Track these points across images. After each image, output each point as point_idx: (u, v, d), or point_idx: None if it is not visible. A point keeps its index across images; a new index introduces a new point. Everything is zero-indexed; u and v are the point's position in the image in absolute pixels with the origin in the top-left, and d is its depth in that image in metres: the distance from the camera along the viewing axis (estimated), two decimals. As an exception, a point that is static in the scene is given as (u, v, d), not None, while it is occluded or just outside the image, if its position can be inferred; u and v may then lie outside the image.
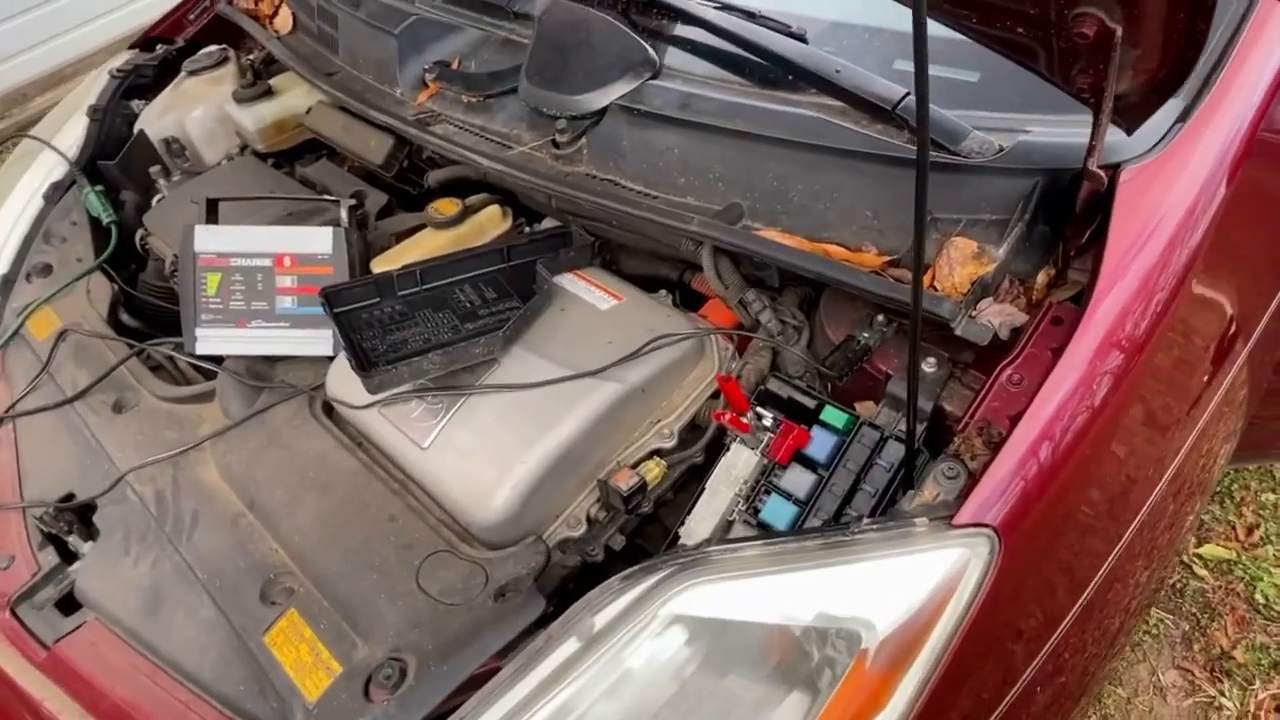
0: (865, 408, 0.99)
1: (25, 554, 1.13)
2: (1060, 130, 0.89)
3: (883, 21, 1.09)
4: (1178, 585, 1.90)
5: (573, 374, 0.98)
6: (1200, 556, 1.94)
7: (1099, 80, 0.70)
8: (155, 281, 1.50)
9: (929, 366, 0.93)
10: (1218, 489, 2.08)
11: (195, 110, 1.65)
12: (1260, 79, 0.88)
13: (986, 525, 0.71)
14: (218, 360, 1.18)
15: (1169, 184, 0.83)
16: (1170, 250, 0.80)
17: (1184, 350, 0.86)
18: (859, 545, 0.72)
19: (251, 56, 1.77)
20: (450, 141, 1.21)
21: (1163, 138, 0.84)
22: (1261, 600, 1.85)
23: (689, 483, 1.06)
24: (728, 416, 0.91)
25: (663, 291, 1.19)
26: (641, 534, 1.10)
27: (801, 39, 1.07)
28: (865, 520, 0.73)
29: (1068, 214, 0.86)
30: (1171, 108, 0.87)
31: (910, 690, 0.70)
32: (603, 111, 1.11)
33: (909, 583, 0.70)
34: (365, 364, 0.97)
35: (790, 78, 1.04)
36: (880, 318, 0.98)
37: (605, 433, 0.99)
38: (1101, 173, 0.80)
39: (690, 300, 1.22)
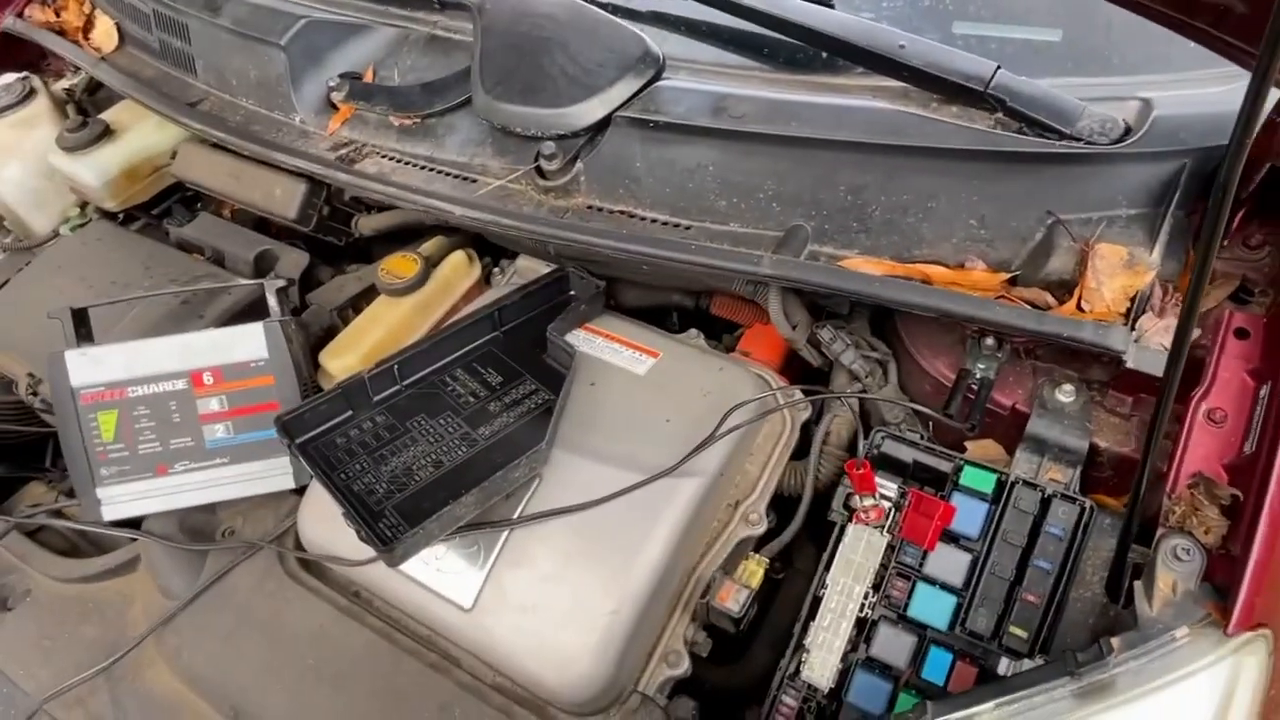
0: (982, 449, 0.84)
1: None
2: (1192, 94, 0.74)
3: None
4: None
5: (644, 479, 0.77)
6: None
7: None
8: (3, 397, 1.14)
9: (1065, 395, 0.78)
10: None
11: (7, 167, 1.26)
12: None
13: (1262, 625, 0.57)
14: (135, 524, 0.89)
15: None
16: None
17: None
18: (1122, 683, 0.57)
19: (68, 85, 1.37)
20: (393, 184, 0.93)
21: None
22: None
23: (802, 586, 0.89)
24: (872, 513, 0.73)
25: (693, 330, 0.98)
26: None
27: (829, 4, 0.86)
28: (1115, 644, 0.58)
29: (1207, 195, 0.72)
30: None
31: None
32: (601, 125, 0.87)
33: (1180, 712, 0.56)
34: (381, 533, 0.71)
35: (826, 57, 0.84)
36: (989, 341, 0.82)
37: (693, 540, 0.79)
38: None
39: (709, 326, 1.02)
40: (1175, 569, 0.61)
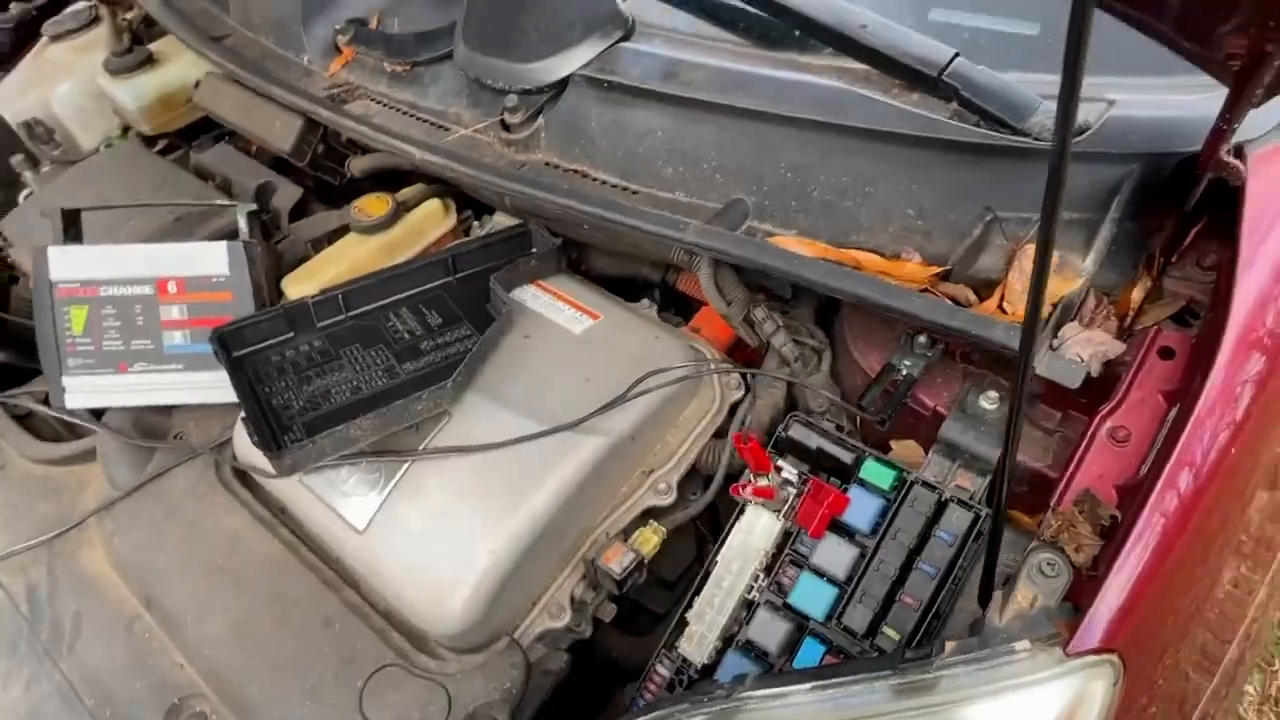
0: (904, 449, 0.81)
1: None
2: (1153, 99, 0.70)
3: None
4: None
5: (544, 430, 0.78)
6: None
7: (1263, 41, 0.51)
8: (26, 295, 1.24)
9: (989, 403, 0.75)
10: None
11: (62, 85, 1.36)
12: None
13: (1109, 650, 0.54)
14: (96, 415, 0.95)
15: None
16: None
17: None
18: (943, 685, 0.54)
19: (129, 15, 1.46)
20: (371, 125, 0.97)
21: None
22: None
23: (698, 562, 0.88)
24: (750, 488, 0.72)
25: (645, 300, 0.98)
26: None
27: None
28: (947, 646, 0.56)
29: (1163, 207, 0.67)
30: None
31: None
32: (564, 83, 0.88)
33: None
34: (272, 438, 0.75)
35: (799, 34, 0.83)
36: (921, 339, 0.79)
37: (589, 497, 0.79)
38: (1237, 162, 0.61)
39: (676, 302, 1.02)
40: (1038, 583, 0.58)
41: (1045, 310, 0.68)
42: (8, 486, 0.98)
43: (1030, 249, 0.69)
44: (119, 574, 0.87)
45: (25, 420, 1.06)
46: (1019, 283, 0.69)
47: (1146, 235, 0.71)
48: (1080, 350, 0.67)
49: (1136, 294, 0.70)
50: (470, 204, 1.12)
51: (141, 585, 0.85)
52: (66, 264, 0.92)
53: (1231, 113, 0.57)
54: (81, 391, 0.93)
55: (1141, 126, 0.67)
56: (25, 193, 1.36)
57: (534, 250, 0.97)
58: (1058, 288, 0.68)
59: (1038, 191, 0.70)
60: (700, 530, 0.91)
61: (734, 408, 0.87)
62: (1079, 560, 0.58)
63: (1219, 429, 0.57)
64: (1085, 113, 0.70)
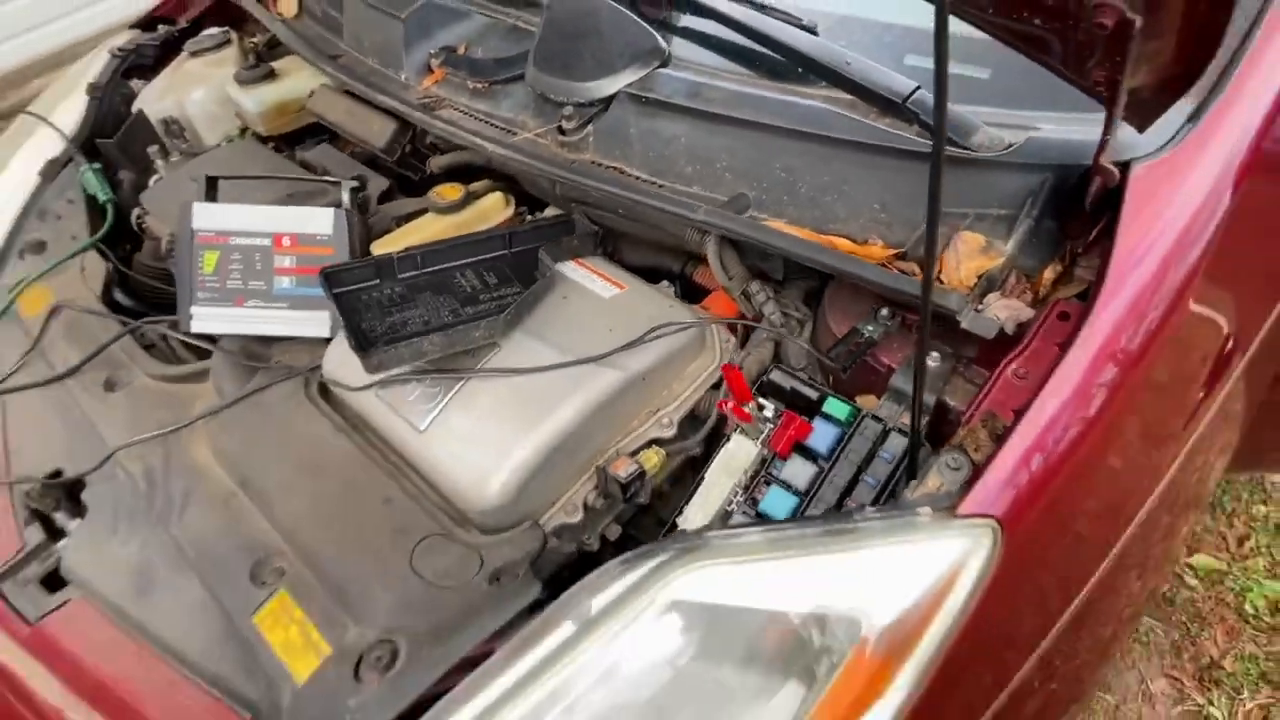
0: (868, 401, 0.99)
1: (10, 530, 1.11)
2: (1071, 128, 0.89)
3: (895, 17, 1.08)
4: (1168, 594, 1.90)
5: (573, 360, 0.97)
6: (1191, 566, 1.95)
7: (1115, 73, 0.70)
8: (150, 262, 1.48)
9: (933, 361, 0.93)
10: (1210, 500, 2.08)
11: (196, 91, 1.64)
12: (1268, 90, 0.88)
13: (990, 516, 0.71)
14: (212, 340, 1.17)
15: (1178, 183, 0.83)
16: (1178, 250, 0.80)
17: (1186, 355, 0.86)
18: (861, 533, 0.71)
19: (254, 40, 1.75)
20: (455, 126, 1.20)
21: (1173, 137, 0.84)
22: (1251, 611, 1.85)
23: (685, 476, 1.06)
24: (730, 405, 0.91)
25: (665, 282, 1.18)
26: (637, 525, 1.09)
27: (813, 32, 1.07)
28: (868, 509, 0.73)
29: (1076, 210, 0.86)
30: (1182, 108, 0.87)
31: (909, 681, 0.69)
32: (610, 99, 1.10)
33: (911, 572, 0.70)
34: (364, 344, 0.96)
35: (800, 70, 1.04)
36: (884, 311, 0.98)
37: (604, 420, 0.98)
38: (1113, 168, 0.79)
39: (692, 293, 1.22)
40: (944, 474, 0.75)
41: (971, 282, 0.87)
42: (134, 399, 1.20)
43: (964, 234, 0.88)
44: (220, 463, 1.07)
45: (150, 349, 1.28)
46: (953, 260, 0.88)
47: (1063, 231, 0.89)
48: (998, 313, 0.85)
49: (1049, 275, 0.88)
50: (527, 201, 1.35)
51: (238, 471, 1.05)
52: (205, 217, 1.15)
53: (1105, 130, 0.76)
54: (205, 319, 1.15)
55: (1054, 145, 0.87)
56: (155, 177, 1.62)
57: (576, 233, 1.19)
58: (983, 264, 0.87)
59: (974, 191, 0.90)
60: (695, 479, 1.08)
61: (731, 367, 1.06)
62: (977, 458, 0.76)
63: (1084, 365, 0.75)
64: (1013, 135, 0.90)
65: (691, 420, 1.04)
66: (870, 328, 0.97)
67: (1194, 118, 0.86)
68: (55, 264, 1.42)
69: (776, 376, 0.96)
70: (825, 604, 0.69)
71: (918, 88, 0.93)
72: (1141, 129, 0.82)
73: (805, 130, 0.97)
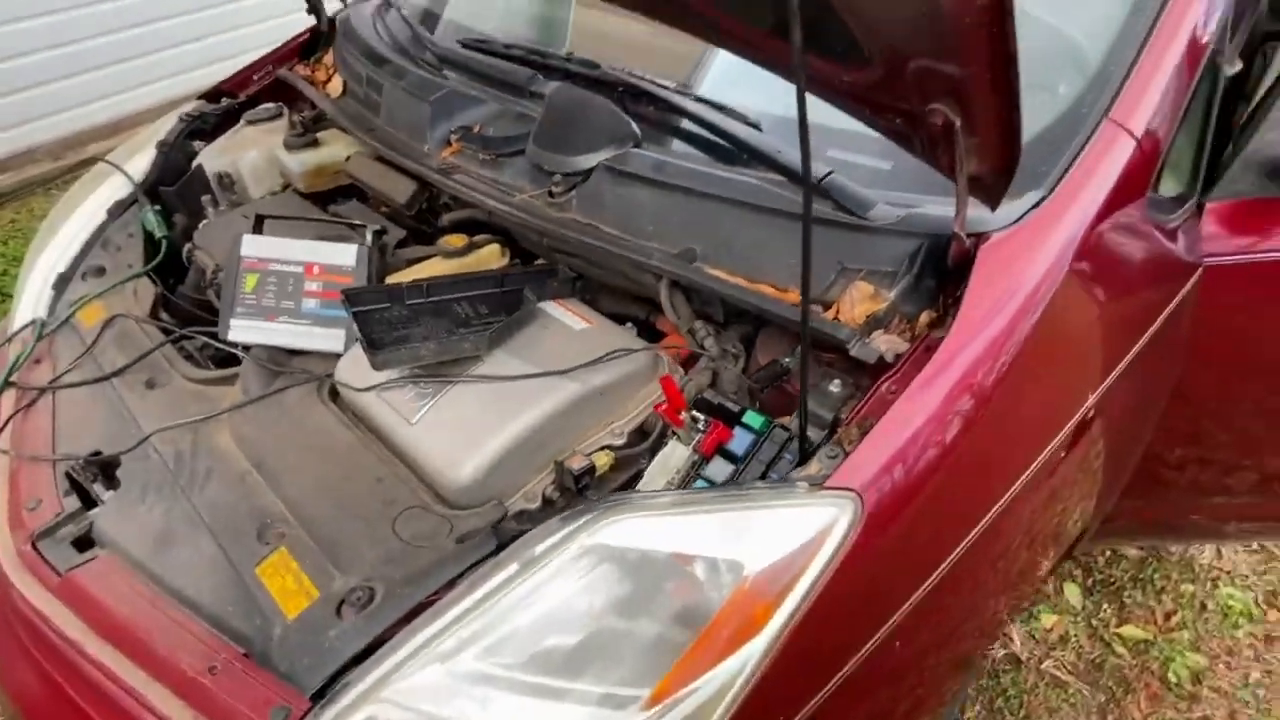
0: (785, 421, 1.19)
1: (52, 498, 1.29)
2: (947, 207, 1.13)
3: (824, 120, 1.34)
4: (1097, 660, 2.03)
5: (542, 372, 1.18)
6: (1120, 635, 2.08)
7: (952, 161, 0.94)
8: (191, 293, 1.71)
9: (835, 387, 1.13)
10: (1140, 576, 2.23)
11: (249, 152, 1.91)
12: (1100, 187, 1.11)
13: (851, 490, 0.90)
14: (245, 348, 1.38)
15: (1020, 255, 1.05)
16: (1013, 306, 1.02)
17: (1021, 391, 1.05)
18: (749, 498, 0.90)
19: (304, 114, 2.05)
20: (464, 187, 1.45)
21: (1020, 218, 1.08)
22: (1174, 679, 1.97)
23: (634, 480, 1.24)
24: (663, 408, 1.11)
25: (629, 324, 1.40)
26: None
27: (757, 127, 1.33)
28: (759, 483, 0.91)
29: (945, 270, 1.08)
30: (1032, 196, 1.11)
31: (783, 619, 0.86)
32: (591, 170, 1.36)
33: (786, 529, 0.88)
34: (374, 345, 1.17)
35: (744, 155, 1.30)
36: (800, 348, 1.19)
37: (565, 424, 1.18)
38: (965, 238, 1.02)
39: (654, 336, 1.43)
40: (823, 462, 0.95)
41: (861, 321, 1.09)
42: (171, 396, 1.40)
43: (858, 284, 1.11)
44: (240, 447, 1.27)
45: (188, 359, 1.50)
46: (848, 304, 1.10)
47: (939, 285, 1.11)
48: (880, 345, 1.06)
49: (925, 319, 1.09)
50: (521, 254, 1.59)
51: (254, 454, 1.24)
52: (252, 246, 1.39)
53: (957, 207, 1.00)
54: (241, 329, 1.37)
55: (930, 219, 1.10)
56: (204, 222, 1.88)
57: (558, 278, 1.42)
58: (870, 308, 1.08)
59: (868, 252, 1.13)
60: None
61: (677, 393, 1.27)
62: (849, 449, 0.95)
63: (931, 386, 0.95)
64: (901, 211, 1.13)
65: (640, 433, 1.24)
66: (788, 360, 1.18)
67: (1039, 204, 1.09)
68: (112, 285, 1.65)
69: (708, 395, 1.16)
70: (716, 550, 0.87)
71: (830, 172, 1.18)
72: (993, 209, 1.06)
73: (743, 200, 1.21)
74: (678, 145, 1.37)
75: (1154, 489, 1.71)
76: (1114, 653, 2.04)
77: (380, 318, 1.28)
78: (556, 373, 1.18)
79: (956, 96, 0.85)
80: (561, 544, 0.90)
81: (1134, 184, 1.16)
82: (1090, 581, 2.22)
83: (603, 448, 1.20)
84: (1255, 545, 2.30)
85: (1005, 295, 1.03)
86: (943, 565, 0.99)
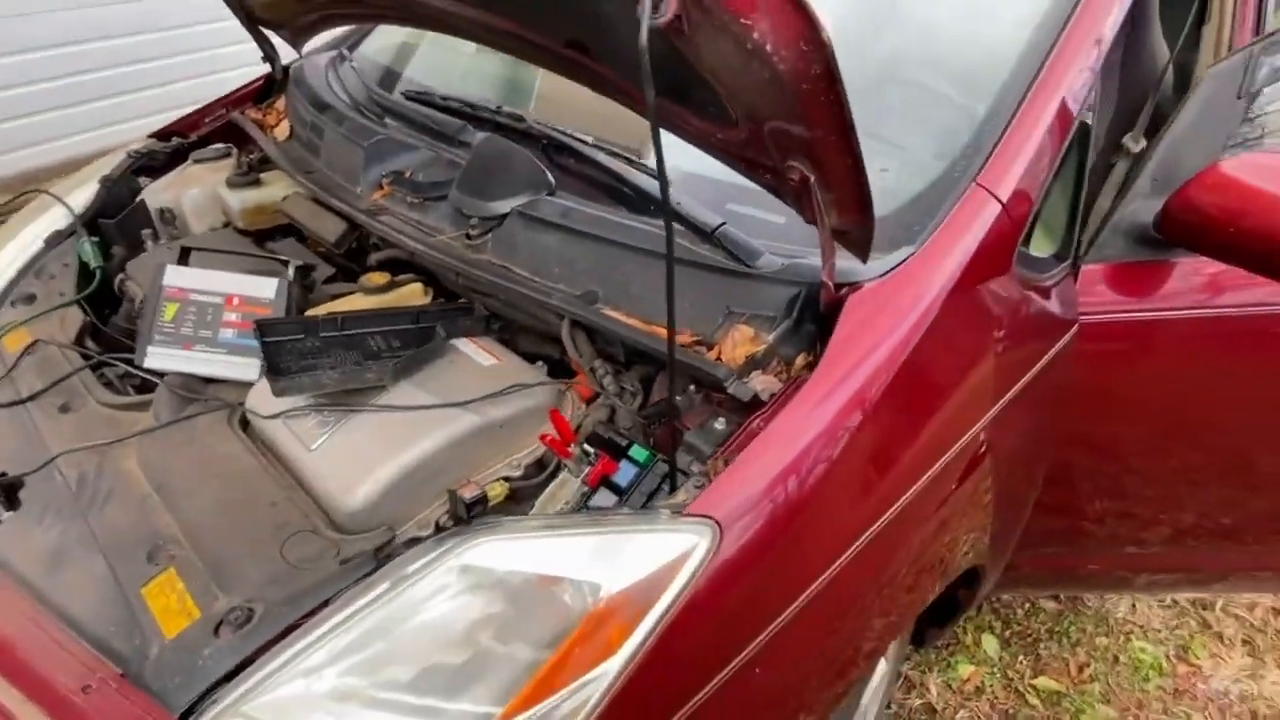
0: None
1: (-52, 519, 1.29)
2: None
3: (724, 175, 1.43)
4: (1010, 711, 2.05)
5: (441, 403, 1.22)
6: (1034, 687, 2.11)
7: (814, 214, 1.02)
8: (122, 323, 1.74)
9: (720, 424, 1.18)
10: (1056, 629, 2.28)
11: (193, 189, 1.97)
12: (965, 246, 1.20)
13: (710, 517, 0.94)
14: (160, 375, 1.41)
15: (887, 304, 1.13)
16: (880, 353, 1.09)
17: (882, 437, 1.10)
18: (614, 523, 0.94)
19: (251, 156, 2.11)
20: (389, 228, 1.52)
21: (888, 270, 1.16)
22: (1083, 731, 2.00)
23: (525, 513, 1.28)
24: (549, 439, 1.15)
25: (541, 362, 1.45)
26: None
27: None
28: (625, 509, 0.96)
29: (822, 317, 1.16)
30: (904, 250, 1.19)
31: (638, 641, 0.89)
32: (506, 215, 1.43)
33: (647, 553, 0.92)
34: (276, 371, 1.21)
35: (649, 205, 1.38)
36: (693, 388, 1.25)
37: (462, 455, 1.22)
38: (834, 286, 1.10)
39: (567, 376, 1.48)
40: (690, 491, 0.99)
41: (740, 361, 1.15)
42: (83, 420, 1.42)
43: (739, 327, 1.17)
44: (144, 471, 1.29)
45: (107, 386, 1.52)
46: (729, 345, 1.16)
47: (816, 330, 1.18)
48: (756, 384, 1.12)
49: (801, 361, 1.16)
50: (444, 295, 1.64)
51: (157, 477, 1.26)
52: (174, 276, 1.43)
53: (824, 257, 1.07)
54: (157, 357, 1.40)
55: (809, 268, 1.17)
56: (143, 254, 1.91)
57: (472, 317, 1.48)
58: (750, 349, 1.15)
59: (752, 297, 1.20)
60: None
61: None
62: (715, 478, 1.00)
63: (793, 424, 1.01)
64: (781, 261, 1.21)
65: (539, 465, 1.28)
66: (680, 398, 1.24)
67: (907, 259, 1.17)
68: (41, 312, 1.67)
69: (599, 429, 1.21)
70: (576, 572, 0.91)
71: (723, 223, 1.26)
72: (864, 260, 1.14)
73: (642, 246, 1.29)
74: (591, 194, 1.45)
75: (1062, 538, 1.78)
76: (1028, 704, 2.07)
77: (291, 348, 1.32)
78: (456, 404, 1.23)
79: (807, 155, 0.93)
80: (431, 564, 0.93)
81: (1001, 244, 1.25)
82: (1008, 633, 2.26)
83: (500, 479, 1.24)
84: (1169, 600, 2.37)
85: (870, 340, 1.10)
86: (805, 594, 1.03)
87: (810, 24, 0.78)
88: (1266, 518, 1.77)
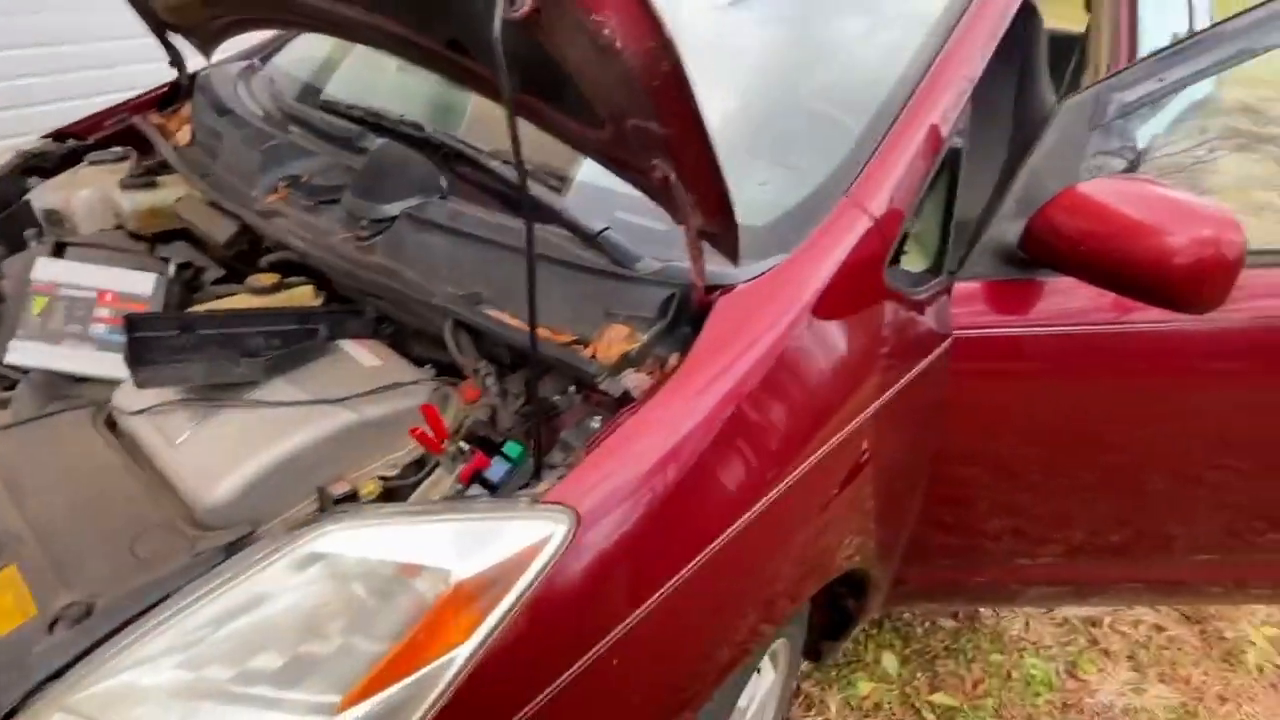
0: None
1: None
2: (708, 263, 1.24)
3: (616, 186, 1.46)
4: (907, 727, 2.08)
5: (309, 400, 1.21)
6: (931, 703, 2.15)
7: (679, 214, 1.05)
8: (-2, 323, 1.67)
9: (595, 422, 1.19)
10: (954, 646, 2.33)
11: (84, 190, 1.91)
12: (834, 254, 1.25)
13: (566, 505, 0.95)
14: (24, 371, 1.36)
15: (755, 307, 1.16)
16: (744, 352, 1.12)
17: (745, 434, 1.12)
18: (470, 510, 0.94)
19: (149, 161, 2.07)
20: (280, 229, 1.50)
21: (756, 275, 1.20)
22: (975, 744, 2.04)
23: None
24: (419, 432, 1.14)
25: (429, 365, 1.45)
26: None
27: (557, 190, 1.44)
28: (484, 497, 0.95)
29: (693, 318, 1.19)
30: (775, 259, 1.24)
31: (489, 627, 0.88)
32: (395, 217, 1.43)
33: (501, 540, 0.91)
34: (139, 363, 1.18)
35: (536, 211, 1.40)
36: (573, 388, 1.26)
37: (335, 453, 1.20)
38: (701, 288, 1.13)
39: (455, 378, 1.48)
40: (550, 480, 1.00)
41: (615, 360, 1.17)
42: (-60, 416, 1.36)
43: (615, 326, 1.19)
44: (-2, 470, 1.23)
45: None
46: (605, 343, 1.18)
47: (691, 330, 1.21)
48: (628, 382, 1.14)
49: (674, 360, 1.18)
50: (340, 300, 1.62)
51: (10, 474, 1.21)
52: (44, 269, 1.38)
53: (693, 258, 1.11)
54: (21, 352, 1.35)
55: (683, 270, 1.21)
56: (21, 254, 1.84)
57: (361, 319, 1.46)
58: (624, 348, 1.17)
59: (630, 299, 1.22)
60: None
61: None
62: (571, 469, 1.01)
63: (650, 419, 1.03)
64: (659, 264, 1.24)
65: (418, 465, 1.27)
66: (559, 399, 1.25)
67: (777, 266, 1.22)
68: (-97, 310, 1.59)
69: (477, 428, 1.21)
70: (429, 558, 0.90)
71: (606, 228, 1.28)
72: (734, 263, 1.17)
73: (518, 245, 1.30)
74: (483, 200, 1.47)
75: (952, 551, 1.83)
76: (922, 718, 2.10)
77: (164, 344, 1.29)
78: (329, 401, 1.21)
79: (666, 153, 0.97)
80: (277, 552, 0.91)
81: (871, 256, 1.31)
82: (908, 651, 2.30)
83: (375, 478, 1.22)
84: (1059, 618, 2.45)
85: (737, 340, 1.13)
86: (667, 586, 1.04)
87: (655, 22, 0.82)
88: (1145, 532, 1.86)
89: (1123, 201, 1.35)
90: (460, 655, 0.87)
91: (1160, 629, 2.44)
